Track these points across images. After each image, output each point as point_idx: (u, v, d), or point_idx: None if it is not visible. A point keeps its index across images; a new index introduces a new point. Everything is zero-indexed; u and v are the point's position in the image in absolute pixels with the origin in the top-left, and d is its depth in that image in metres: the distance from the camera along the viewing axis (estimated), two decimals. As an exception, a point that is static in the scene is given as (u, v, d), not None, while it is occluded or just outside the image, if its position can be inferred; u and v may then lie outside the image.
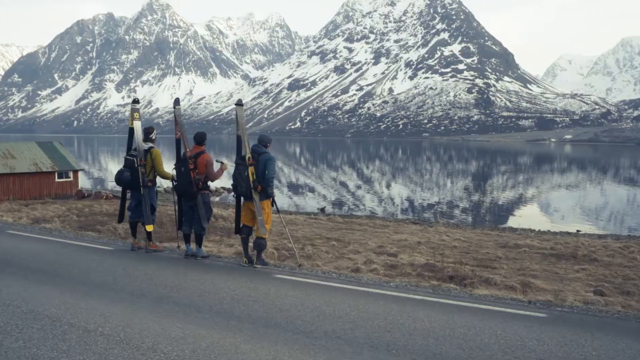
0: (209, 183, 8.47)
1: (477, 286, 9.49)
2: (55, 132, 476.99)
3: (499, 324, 5.49)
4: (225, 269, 7.83)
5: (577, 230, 27.81)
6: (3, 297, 5.93)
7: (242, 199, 8.04)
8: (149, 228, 8.74)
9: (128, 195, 9.24)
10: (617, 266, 13.30)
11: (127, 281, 6.83)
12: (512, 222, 30.58)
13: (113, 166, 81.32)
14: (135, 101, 9.06)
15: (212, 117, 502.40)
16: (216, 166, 8.58)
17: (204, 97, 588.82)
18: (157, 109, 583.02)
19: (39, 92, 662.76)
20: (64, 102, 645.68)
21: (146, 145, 8.76)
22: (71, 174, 39.07)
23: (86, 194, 36.67)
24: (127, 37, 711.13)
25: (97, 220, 19.01)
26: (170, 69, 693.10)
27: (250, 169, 7.69)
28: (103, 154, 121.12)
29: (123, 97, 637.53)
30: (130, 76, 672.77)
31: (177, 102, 8.81)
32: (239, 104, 8.28)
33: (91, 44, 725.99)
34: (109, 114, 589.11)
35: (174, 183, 8.63)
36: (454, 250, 15.79)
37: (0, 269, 7.42)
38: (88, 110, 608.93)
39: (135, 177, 8.62)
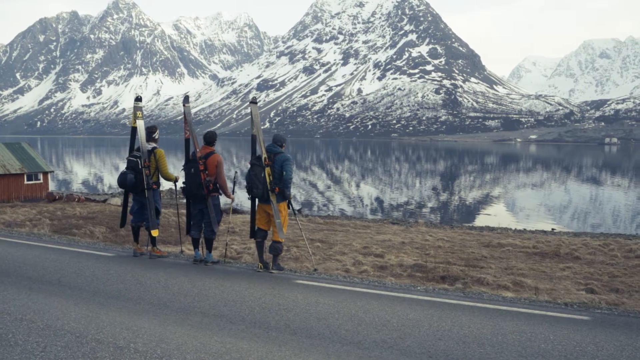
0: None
1: (470, 286, 9.36)
2: (18, 133, 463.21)
3: (547, 328, 5.27)
4: (240, 275, 7.42)
5: (552, 229, 28.21)
6: (12, 310, 5.42)
7: (256, 201, 7.67)
8: (154, 233, 8.25)
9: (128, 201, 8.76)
10: (599, 264, 13.41)
11: (141, 290, 6.38)
12: (489, 221, 30.89)
13: (79, 168, 79.31)
14: (138, 99, 8.55)
15: (180, 117, 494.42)
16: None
17: (172, 98, 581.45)
18: (124, 110, 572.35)
19: (0, 92, 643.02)
20: (27, 102, 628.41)
21: (149, 146, 8.29)
22: (41, 176, 37.79)
23: (57, 197, 35.45)
24: (92, 36, 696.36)
25: (72, 224, 18.27)
26: (136, 68, 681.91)
27: (267, 170, 7.32)
28: (68, 156, 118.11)
29: (88, 98, 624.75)
30: (96, 76, 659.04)
31: (186, 99, 8.34)
32: (254, 101, 7.89)
33: (55, 43, 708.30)
34: (74, 115, 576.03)
35: (182, 185, 8.16)
36: (439, 250, 15.71)
37: (0, 278, 6.87)
38: (52, 110, 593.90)
39: (139, 179, 8.13)
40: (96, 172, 72.61)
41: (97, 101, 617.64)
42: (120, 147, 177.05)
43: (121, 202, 35.65)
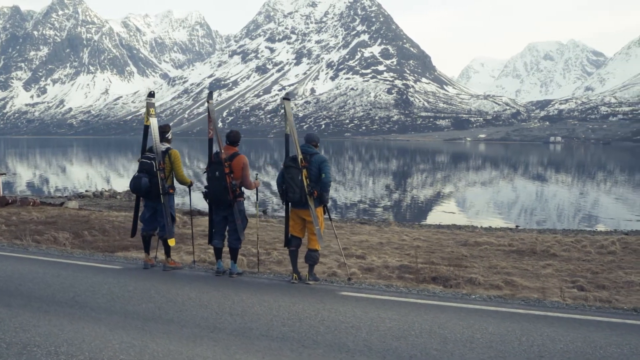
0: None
1: (462, 287, 9.07)
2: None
3: (641, 340, 4.91)
4: (277, 288, 6.75)
5: (517, 226, 28.55)
6: (40, 341, 4.57)
7: (289, 205, 7.02)
8: (171, 242, 7.47)
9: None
10: (577, 260, 13.45)
11: (177, 309, 5.64)
12: (453, 219, 30.86)
13: (23, 170, 75.57)
14: (151, 94, 7.74)
15: (130, 117, 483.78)
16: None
17: (121, 97, 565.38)
18: (70, 109, 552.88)
19: None
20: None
21: (163, 147, 7.50)
22: (-9, 179, 35.54)
23: (10, 201, 33.34)
24: (35, 33, 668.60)
25: (32, 230, 16.92)
26: (83, 66, 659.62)
27: (304, 173, 6.69)
28: (11, 157, 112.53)
29: (32, 96, 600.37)
30: (40, 74, 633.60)
31: (210, 95, 7.58)
32: (287, 98, 7.24)
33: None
34: (17, 114, 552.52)
35: (205, 190, 7.38)
36: (418, 250, 15.43)
37: (4, 300, 5.96)
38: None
39: (154, 183, 7.33)
40: (42, 174, 69.36)
41: (42, 100, 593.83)
42: (66, 148, 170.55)
43: (79, 205, 33.93)
